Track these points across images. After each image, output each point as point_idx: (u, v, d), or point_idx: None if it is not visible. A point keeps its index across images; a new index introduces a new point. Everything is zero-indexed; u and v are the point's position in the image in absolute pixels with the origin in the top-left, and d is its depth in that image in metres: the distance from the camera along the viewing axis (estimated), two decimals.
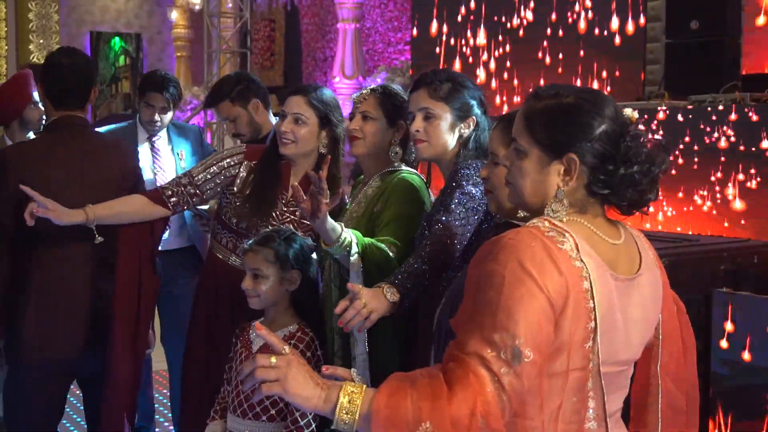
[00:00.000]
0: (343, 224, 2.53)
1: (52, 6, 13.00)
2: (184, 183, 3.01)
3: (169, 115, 4.03)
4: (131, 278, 3.04)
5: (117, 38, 14.57)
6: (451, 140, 2.58)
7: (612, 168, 1.66)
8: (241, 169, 3.03)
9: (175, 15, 14.20)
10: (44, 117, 4.07)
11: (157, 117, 3.99)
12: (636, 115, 1.74)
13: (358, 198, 2.86)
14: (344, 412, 1.51)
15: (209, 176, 3.02)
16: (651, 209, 1.80)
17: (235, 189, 3.02)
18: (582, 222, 1.69)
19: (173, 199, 2.99)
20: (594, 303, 1.61)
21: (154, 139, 4.11)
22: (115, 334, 3.01)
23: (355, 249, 2.48)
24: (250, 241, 2.73)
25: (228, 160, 3.05)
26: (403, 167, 2.86)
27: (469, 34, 6.60)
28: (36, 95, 4.04)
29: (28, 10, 12.83)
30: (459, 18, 6.66)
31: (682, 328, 1.93)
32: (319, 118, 2.97)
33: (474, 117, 2.57)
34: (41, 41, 12.77)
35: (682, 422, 1.90)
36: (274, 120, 4.04)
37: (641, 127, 1.77)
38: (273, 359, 1.54)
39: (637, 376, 1.86)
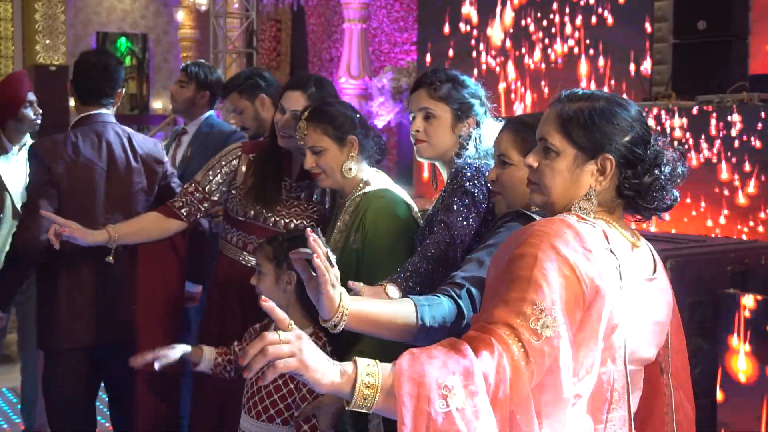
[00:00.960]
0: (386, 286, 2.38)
1: (58, 7, 13.02)
2: (191, 191, 3.03)
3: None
4: (153, 296, 3.13)
5: (123, 39, 14.60)
6: (450, 140, 2.56)
7: (641, 171, 1.71)
8: (241, 163, 3.05)
9: (181, 15, 14.22)
10: (39, 116, 4.13)
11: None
12: (653, 124, 1.77)
13: (338, 225, 2.73)
14: (365, 386, 1.42)
15: (211, 177, 3.04)
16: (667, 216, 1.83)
17: (238, 183, 3.04)
18: (608, 221, 1.73)
19: (184, 210, 3.01)
20: (623, 294, 1.63)
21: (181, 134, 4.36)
22: (140, 347, 3.03)
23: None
24: (264, 239, 2.75)
25: (226, 157, 3.07)
26: (370, 185, 2.71)
27: (473, 36, 6.60)
28: (31, 95, 4.08)
29: (35, 11, 12.85)
30: (462, 22, 6.65)
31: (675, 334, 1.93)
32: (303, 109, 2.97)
33: (474, 117, 2.55)
34: (48, 42, 12.80)
35: None
36: None
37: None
38: (282, 334, 1.42)
39: (646, 382, 1.84)
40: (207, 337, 3.13)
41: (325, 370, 1.42)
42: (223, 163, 3.06)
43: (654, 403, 1.87)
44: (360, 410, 1.44)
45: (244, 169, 3.04)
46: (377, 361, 1.46)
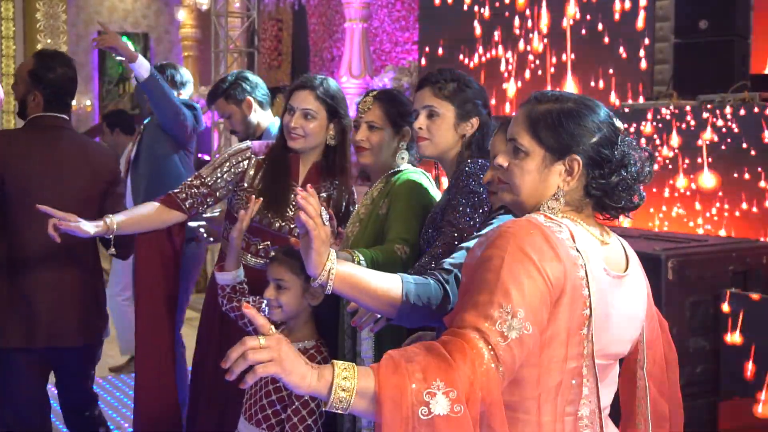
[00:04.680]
0: (354, 251, 2.51)
1: (59, 6, 13.02)
2: (196, 185, 3.03)
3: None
4: (151, 283, 3.12)
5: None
6: (453, 139, 2.58)
7: (608, 171, 1.75)
8: (249, 165, 3.04)
9: (182, 15, 14.21)
10: None
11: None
12: (623, 126, 1.82)
13: (365, 200, 2.86)
14: (340, 389, 1.49)
15: (219, 175, 3.04)
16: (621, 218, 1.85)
17: (245, 185, 3.03)
18: (576, 219, 1.76)
19: (188, 201, 3.02)
20: (589, 291, 1.66)
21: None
22: (138, 336, 3.10)
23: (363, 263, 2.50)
24: (278, 251, 2.69)
25: (235, 157, 3.06)
26: (407, 167, 2.86)
27: (476, 35, 6.59)
28: None
29: (36, 10, 12.86)
30: (465, 27, 6.65)
31: (665, 346, 1.96)
32: (327, 111, 2.99)
33: (477, 117, 2.58)
34: (49, 41, 12.79)
35: (666, 429, 1.93)
36: (273, 119, 4.07)
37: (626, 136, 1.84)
38: (262, 339, 1.50)
39: (623, 377, 1.90)
40: (207, 336, 3.13)
41: (303, 374, 1.50)
42: (234, 162, 3.05)
43: (635, 400, 1.91)
44: (336, 411, 1.51)
45: (252, 172, 3.04)
46: (353, 365, 1.53)
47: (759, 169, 4.07)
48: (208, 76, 10.99)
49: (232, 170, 3.04)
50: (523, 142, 1.78)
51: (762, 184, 4.06)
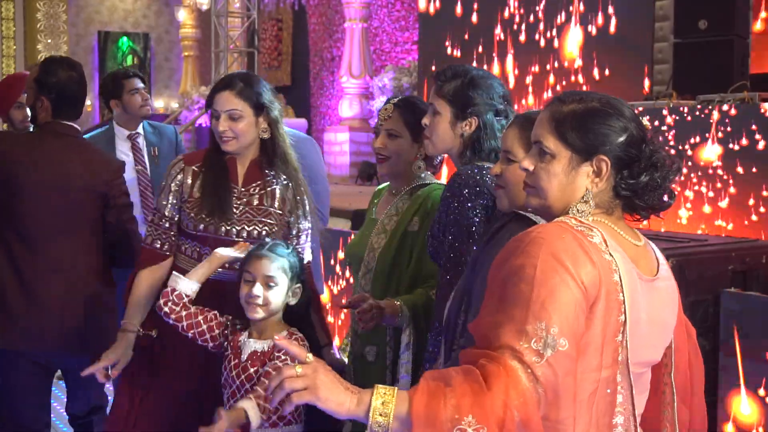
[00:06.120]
0: (398, 302, 2.62)
1: (60, 6, 13.04)
2: (160, 223, 2.94)
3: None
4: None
5: (125, 38, 14.61)
6: (451, 138, 2.52)
7: (637, 171, 1.71)
8: (186, 176, 2.93)
9: (182, 15, 14.23)
10: (29, 118, 4.16)
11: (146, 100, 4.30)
12: (648, 123, 1.79)
13: (389, 210, 2.85)
14: (378, 414, 1.52)
15: (171, 200, 2.93)
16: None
17: (186, 196, 2.92)
18: (607, 223, 1.72)
19: (166, 247, 2.93)
20: (624, 296, 1.63)
21: (135, 137, 4.30)
22: None
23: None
24: (261, 248, 2.65)
25: (171, 175, 2.95)
26: (431, 179, 2.87)
27: (474, 33, 6.60)
28: (26, 97, 4.11)
29: (37, 10, 12.87)
30: (464, 31, 6.66)
31: (691, 353, 1.92)
32: (253, 108, 2.88)
33: (477, 117, 2.50)
34: (49, 41, 12.81)
35: None
36: None
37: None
38: (298, 368, 1.55)
39: (651, 383, 1.85)
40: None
41: (341, 401, 1.54)
42: (170, 181, 2.94)
43: (661, 406, 1.87)
44: None
45: (190, 181, 2.92)
46: (395, 388, 1.55)
47: (759, 168, 4.07)
48: (208, 76, 11.00)
49: (173, 188, 2.93)
50: (548, 144, 1.73)
51: (762, 183, 4.06)
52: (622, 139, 1.71)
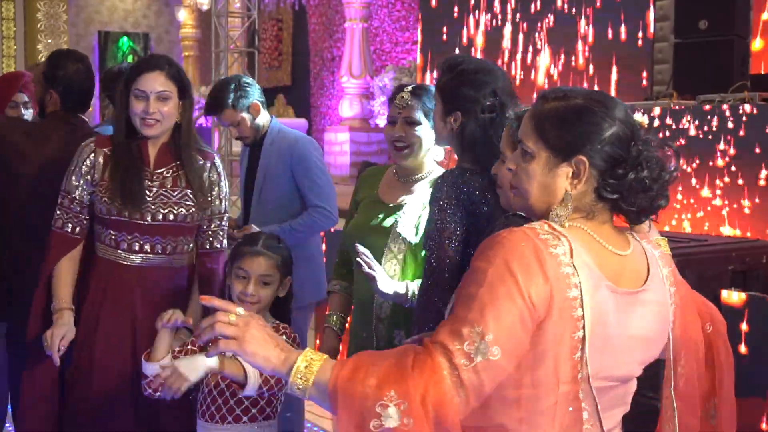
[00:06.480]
0: (406, 283, 2.59)
1: (60, 6, 13.04)
2: (70, 206, 2.87)
3: None
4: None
5: (125, 38, 14.61)
6: (443, 132, 2.48)
7: (622, 172, 1.62)
8: (97, 158, 2.87)
9: (183, 15, 14.23)
10: (24, 117, 4.14)
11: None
12: (646, 121, 1.70)
13: (412, 198, 2.80)
14: (299, 376, 1.51)
15: (81, 182, 2.87)
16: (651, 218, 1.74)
17: (98, 179, 2.86)
18: (585, 229, 1.64)
19: (77, 230, 2.87)
20: (583, 312, 1.55)
21: None
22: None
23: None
24: (254, 243, 2.64)
25: (82, 156, 2.89)
26: (437, 168, 2.85)
27: (471, 32, 6.60)
28: (23, 96, 4.09)
29: (37, 10, 12.88)
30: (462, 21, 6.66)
31: (722, 348, 1.87)
32: (179, 90, 2.86)
33: (459, 113, 2.41)
34: (49, 41, 12.81)
35: None
36: (270, 117, 4.05)
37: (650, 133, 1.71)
38: (232, 316, 1.56)
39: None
40: (87, 346, 2.90)
41: (268, 355, 1.54)
42: (80, 162, 2.87)
43: (662, 420, 1.80)
44: (296, 395, 1.54)
45: (101, 163, 2.86)
46: (325, 356, 1.54)
47: (759, 168, 4.07)
48: (208, 76, 11.01)
49: (84, 171, 2.87)
50: (528, 143, 1.67)
51: (762, 183, 4.06)
52: (605, 137, 1.61)
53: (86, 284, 2.91)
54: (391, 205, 2.85)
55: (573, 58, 5.84)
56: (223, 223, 2.98)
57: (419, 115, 2.76)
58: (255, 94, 3.94)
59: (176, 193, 2.86)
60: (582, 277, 1.55)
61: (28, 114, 4.19)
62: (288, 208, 3.89)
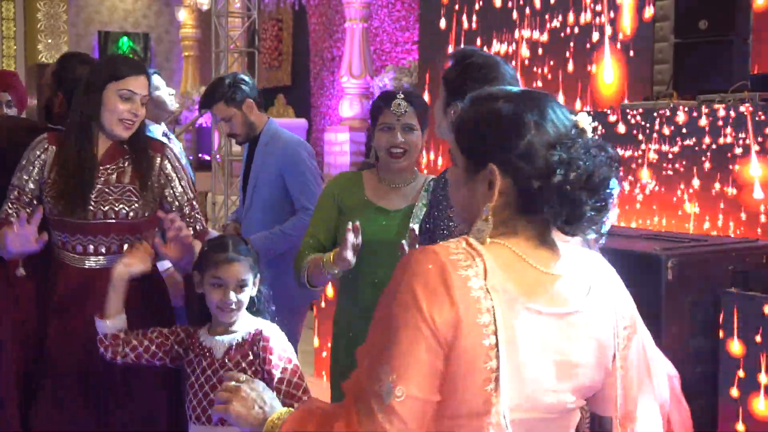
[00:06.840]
0: None
1: (60, 6, 13.04)
2: (16, 196, 2.84)
3: None
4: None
5: (125, 38, 14.61)
6: (442, 121, 2.47)
7: (540, 183, 1.44)
8: (49, 156, 2.85)
9: (183, 15, 14.23)
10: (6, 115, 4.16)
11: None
12: (584, 122, 1.49)
13: (419, 205, 2.87)
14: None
15: (33, 176, 2.84)
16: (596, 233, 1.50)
17: (45, 177, 2.83)
18: (507, 245, 1.47)
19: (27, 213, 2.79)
20: (497, 339, 1.39)
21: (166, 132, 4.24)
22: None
23: None
24: (223, 251, 2.58)
25: (34, 152, 2.86)
26: (421, 173, 3.00)
27: (471, 27, 6.60)
28: (4, 95, 4.08)
29: (37, 10, 12.87)
30: (464, 20, 6.66)
31: (673, 403, 1.76)
32: (148, 93, 2.91)
33: (458, 105, 2.36)
34: (49, 41, 12.81)
35: None
36: (267, 118, 4.06)
37: (589, 134, 1.50)
38: (225, 385, 1.77)
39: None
40: (52, 354, 2.88)
41: (249, 420, 1.70)
42: (32, 158, 2.85)
43: None
44: None
45: (51, 161, 2.84)
46: (288, 411, 1.65)
47: (759, 168, 4.07)
48: (209, 76, 10.99)
49: (38, 166, 2.84)
50: (453, 150, 1.54)
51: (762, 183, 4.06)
52: (516, 145, 1.44)
53: (50, 288, 2.88)
54: (392, 211, 2.88)
55: (573, 58, 5.84)
56: (196, 206, 2.98)
57: (415, 121, 2.82)
58: (249, 91, 3.95)
59: (117, 189, 2.83)
60: (495, 301, 1.41)
61: (11, 113, 4.22)
62: (277, 209, 3.89)
